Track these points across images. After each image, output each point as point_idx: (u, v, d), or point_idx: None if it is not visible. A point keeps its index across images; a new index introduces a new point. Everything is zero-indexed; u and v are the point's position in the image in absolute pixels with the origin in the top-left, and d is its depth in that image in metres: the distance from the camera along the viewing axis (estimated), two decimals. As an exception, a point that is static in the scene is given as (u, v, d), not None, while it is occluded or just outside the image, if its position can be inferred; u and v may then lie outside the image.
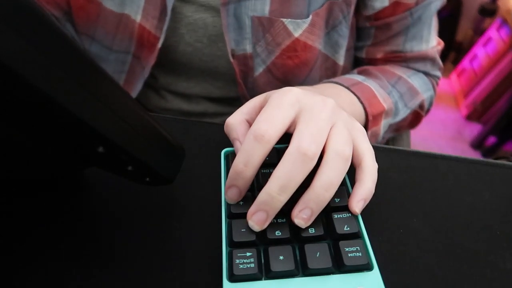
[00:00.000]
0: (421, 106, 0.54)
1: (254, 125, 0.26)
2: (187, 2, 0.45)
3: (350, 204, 0.27)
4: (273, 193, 0.25)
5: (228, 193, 0.27)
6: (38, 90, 0.16)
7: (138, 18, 0.46)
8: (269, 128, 0.26)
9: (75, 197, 0.31)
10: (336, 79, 0.46)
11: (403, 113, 0.51)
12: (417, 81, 0.53)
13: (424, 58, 0.53)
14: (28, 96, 0.16)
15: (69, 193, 0.31)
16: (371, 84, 0.46)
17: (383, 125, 0.46)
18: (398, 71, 0.52)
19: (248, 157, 0.26)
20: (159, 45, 0.46)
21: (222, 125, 0.37)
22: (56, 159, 0.25)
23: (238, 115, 0.31)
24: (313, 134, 0.26)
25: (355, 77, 0.48)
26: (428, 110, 0.59)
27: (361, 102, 0.42)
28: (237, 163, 0.26)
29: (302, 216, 0.25)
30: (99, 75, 0.19)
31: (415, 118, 0.56)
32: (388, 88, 0.48)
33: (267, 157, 0.30)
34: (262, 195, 0.25)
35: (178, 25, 0.47)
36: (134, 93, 0.53)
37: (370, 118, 0.42)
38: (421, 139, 1.74)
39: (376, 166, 0.29)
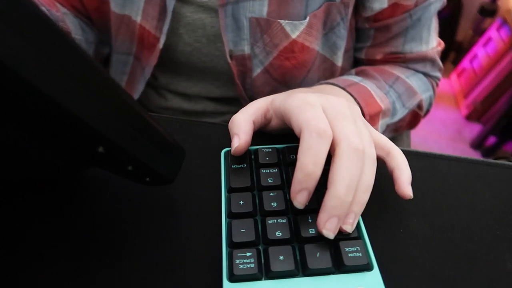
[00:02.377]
0: (419, 106, 0.54)
1: (307, 124, 0.26)
2: (185, 2, 0.46)
3: (402, 191, 0.28)
4: (342, 195, 0.24)
5: (299, 198, 0.25)
6: (38, 90, 0.16)
7: (138, 18, 0.46)
8: (325, 124, 0.26)
9: (75, 197, 0.31)
10: (332, 80, 0.46)
11: (401, 113, 0.51)
12: (416, 82, 0.53)
13: (423, 59, 0.53)
14: (28, 96, 0.16)
15: (69, 193, 0.31)
16: (368, 84, 0.46)
17: (381, 125, 0.46)
18: (397, 71, 0.52)
19: (316, 155, 0.25)
20: (160, 45, 0.47)
21: (222, 125, 0.37)
22: (56, 159, 0.25)
23: (245, 114, 0.31)
24: (353, 130, 0.26)
25: (352, 77, 0.48)
26: (427, 111, 0.59)
27: (358, 103, 0.42)
28: (306, 163, 0.25)
29: (349, 221, 0.25)
30: (99, 75, 0.19)
31: (414, 118, 0.56)
32: (385, 89, 0.48)
33: (267, 157, 0.31)
34: (331, 201, 0.24)
35: (177, 25, 0.47)
36: (136, 94, 0.53)
37: (367, 118, 0.42)
38: (421, 139, 1.74)
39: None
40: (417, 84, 0.53)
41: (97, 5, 0.48)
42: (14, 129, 0.19)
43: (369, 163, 0.26)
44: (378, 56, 0.53)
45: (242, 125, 0.30)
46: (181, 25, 0.47)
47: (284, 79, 0.50)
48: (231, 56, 0.47)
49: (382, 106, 0.45)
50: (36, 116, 0.18)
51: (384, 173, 0.33)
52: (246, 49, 0.46)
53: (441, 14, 0.53)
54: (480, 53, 1.87)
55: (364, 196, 0.26)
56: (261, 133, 0.34)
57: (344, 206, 0.24)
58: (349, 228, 0.25)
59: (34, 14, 0.15)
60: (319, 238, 0.26)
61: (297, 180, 0.25)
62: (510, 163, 0.35)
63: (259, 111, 0.32)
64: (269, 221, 0.26)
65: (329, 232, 0.25)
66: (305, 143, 0.25)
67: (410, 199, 0.31)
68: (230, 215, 0.27)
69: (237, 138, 0.30)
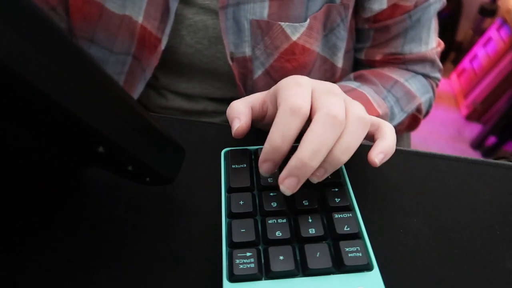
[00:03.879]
0: (418, 109, 0.54)
1: (285, 100, 0.26)
2: (188, 4, 0.46)
3: (370, 156, 0.29)
4: (306, 159, 0.25)
5: (264, 167, 0.27)
6: (38, 90, 0.16)
7: (140, 19, 0.46)
8: (303, 101, 0.26)
9: (75, 197, 0.31)
10: None
11: (400, 117, 0.51)
12: (415, 85, 0.53)
13: (423, 60, 0.53)
14: (28, 96, 0.16)
15: (69, 193, 0.31)
16: (366, 90, 0.47)
17: None
18: (395, 74, 0.52)
19: (285, 131, 0.26)
20: (163, 46, 0.47)
21: (222, 125, 0.37)
22: (56, 159, 0.25)
23: (243, 100, 0.32)
24: (336, 101, 0.26)
25: (350, 83, 0.48)
26: (427, 112, 0.59)
27: None
28: (274, 138, 0.26)
29: (316, 174, 0.26)
30: (99, 75, 0.19)
31: (413, 121, 0.56)
32: (383, 93, 0.49)
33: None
34: (294, 161, 0.25)
35: (179, 27, 0.47)
36: (135, 94, 0.53)
37: None
38: (421, 139, 1.74)
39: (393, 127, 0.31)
40: (416, 87, 0.53)
41: (81, 6, 0.47)
42: (14, 128, 0.19)
43: (358, 125, 0.27)
44: (378, 57, 0.53)
45: (241, 109, 0.31)
46: (183, 27, 0.47)
47: None
48: (232, 58, 0.47)
49: (380, 111, 0.45)
50: (36, 116, 0.18)
51: (383, 173, 0.33)
52: (247, 51, 0.46)
53: (441, 14, 0.53)
54: (480, 53, 1.87)
55: (340, 157, 0.26)
56: (261, 133, 0.34)
57: (306, 169, 0.25)
58: (314, 179, 0.26)
59: (34, 14, 0.15)
60: (319, 238, 0.26)
61: (264, 151, 0.27)
62: (510, 163, 0.35)
63: (257, 101, 0.32)
64: (269, 221, 0.26)
65: (286, 189, 0.26)
66: (278, 118, 0.26)
67: (410, 199, 0.31)
68: (230, 215, 0.27)
69: (237, 120, 0.30)
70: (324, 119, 0.25)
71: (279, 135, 0.26)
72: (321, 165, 0.26)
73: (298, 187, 0.26)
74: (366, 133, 0.28)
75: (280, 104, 0.27)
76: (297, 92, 0.27)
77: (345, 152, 0.26)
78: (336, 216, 0.27)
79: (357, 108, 0.28)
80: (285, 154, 0.27)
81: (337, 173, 0.29)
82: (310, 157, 0.25)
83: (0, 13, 0.14)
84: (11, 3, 0.15)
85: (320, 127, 0.25)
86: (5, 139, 0.21)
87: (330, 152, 0.26)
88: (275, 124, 0.26)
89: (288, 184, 0.26)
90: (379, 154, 0.29)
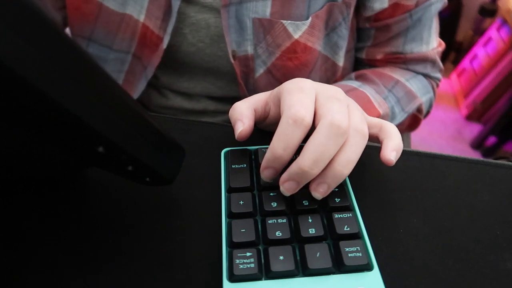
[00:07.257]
0: (419, 110, 0.54)
1: (288, 109, 0.26)
2: (190, 2, 0.46)
3: (384, 155, 0.29)
4: (306, 168, 0.25)
5: (265, 173, 0.28)
6: (38, 90, 0.16)
7: (141, 18, 0.46)
8: (306, 111, 0.26)
9: (74, 197, 0.31)
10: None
11: (400, 117, 0.51)
12: (416, 85, 0.53)
13: (424, 59, 0.53)
14: (28, 96, 0.16)
15: (69, 193, 0.31)
16: (367, 89, 0.47)
17: None
18: (396, 74, 0.52)
19: (287, 141, 0.26)
20: (164, 45, 0.47)
21: (222, 125, 0.37)
22: (56, 159, 0.25)
23: (246, 102, 0.32)
24: (341, 111, 0.27)
25: (351, 83, 0.48)
26: (428, 113, 0.59)
27: None
28: (276, 148, 0.26)
29: (319, 190, 0.26)
30: (99, 75, 0.19)
31: (414, 121, 0.56)
32: (384, 93, 0.49)
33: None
34: (295, 168, 0.25)
35: (181, 25, 0.47)
36: (136, 93, 0.53)
37: None
38: (421, 139, 1.74)
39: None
40: (417, 87, 0.53)
41: (79, 5, 0.47)
42: (14, 128, 0.19)
43: (357, 137, 0.27)
44: (379, 56, 0.53)
45: (244, 111, 0.31)
46: (185, 25, 0.47)
47: (287, 80, 0.50)
48: (234, 57, 0.47)
49: (381, 111, 0.45)
50: (36, 116, 0.18)
51: (383, 173, 0.33)
52: (249, 49, 0.46)
53: (441, 14, 0.53)
54: (480, 53, 1.87)
55: (342, 170, 0.26)
56: (261, 133, 0.34)
57: (306, 176, 0.25)
58: (318, 196, 0.27)
59: (34, 14, 0.15)
60: (319, 238, 0.26)
61: (266, 158, 0.27)
62: (510, 163, 0.35)
63: (260, 102, 0.32)
64: (269, 221, 0.26)
65: (286, 191, 0.27)
66: (280, 127, 0.26)
67: (410, 199, 0.31)
68: (230, 215, 0.27)
69: (240, 123, 0.30)
70: (328, 128, 0.25)
71: (280, 146, 0.26)
72: (323, 181, 0.26)
73: (298, 189, 0.26)
74: (365, 144, 0.28)
75: (283, 112, 0.27)
76: (300, 99, 0.27)
77: (346, 166, 0.26)
78: (336, 216, 0.27)
79: (357, 119, 0.28)
80: (287, 162, 0.27)
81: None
82: (311, 166, 0.25)
83: (0, 13, 0.14)
84: (11, 3, 0.15)
85: (323, 136, 0.25)
86: (5, 139, 0.21)
87: (332, 166, 0.26)
88: (277, 133, 0.26)
89: (287, 187, 0.26)
90: (392, 152, 0.29)
